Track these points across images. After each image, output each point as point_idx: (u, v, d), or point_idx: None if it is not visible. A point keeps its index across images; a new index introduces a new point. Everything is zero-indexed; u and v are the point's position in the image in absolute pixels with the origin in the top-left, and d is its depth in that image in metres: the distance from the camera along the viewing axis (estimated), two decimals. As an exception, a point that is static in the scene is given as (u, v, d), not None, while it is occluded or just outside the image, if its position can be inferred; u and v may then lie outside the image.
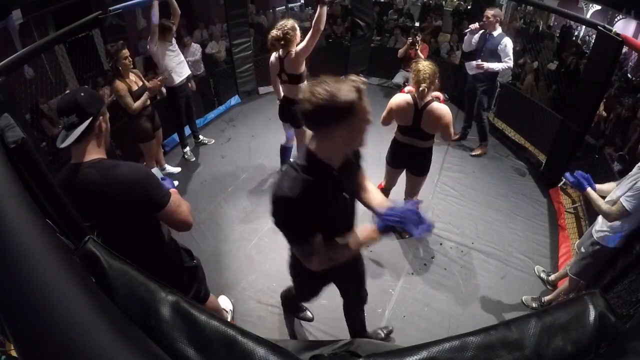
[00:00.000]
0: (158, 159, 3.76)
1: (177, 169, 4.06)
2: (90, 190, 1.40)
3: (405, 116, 2.56)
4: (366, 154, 4.27)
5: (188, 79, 3.96)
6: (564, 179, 3.81)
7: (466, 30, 4.08)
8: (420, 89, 2.45)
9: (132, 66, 3.20)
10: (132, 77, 3.17)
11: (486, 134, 4.34)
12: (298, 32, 2.91)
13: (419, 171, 2.84)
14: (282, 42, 2.87)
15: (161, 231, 1.67)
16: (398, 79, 5.41)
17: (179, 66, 3.81)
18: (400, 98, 2.56)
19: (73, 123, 1.39)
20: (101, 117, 1.48)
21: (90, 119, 1.42)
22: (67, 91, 1.44)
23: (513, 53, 3.80)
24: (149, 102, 3.30)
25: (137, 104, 3.14)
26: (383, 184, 3.19)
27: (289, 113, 3.17)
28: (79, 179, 1.41)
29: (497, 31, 3.77)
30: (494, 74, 3.89)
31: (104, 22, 3.50)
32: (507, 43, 3.70)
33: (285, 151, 3.68)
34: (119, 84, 3.07)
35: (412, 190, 2.97)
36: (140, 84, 3.23)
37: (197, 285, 1.93)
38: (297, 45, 2.90)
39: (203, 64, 5.77)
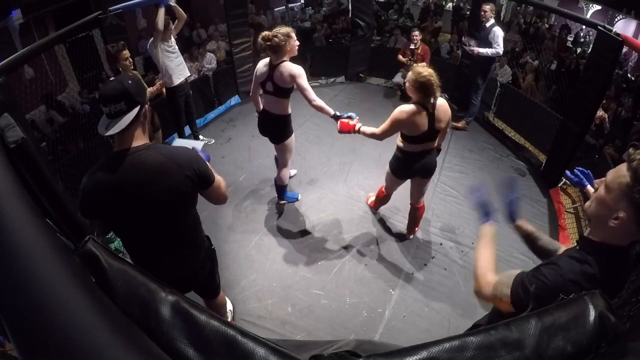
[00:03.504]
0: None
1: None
2: (154, 170, 1.42)
3: (421, 124, 2.43)
4: (367, 154, 4.28)
5: (187, 79, 3.96)
6: (563, 179, 3.85)
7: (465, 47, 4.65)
8: (438, 94, 2.39)
9: (132, 67, 3.19)
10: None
11: (473, 112, 4.83)
12: (292, 41, 2.66)
13: (430, 173, 2.76)
14: (269, 44, 2.61)
15: (198, 215, 1.71)
16: (398, 78, 5.42)
17: (179, 67, 3.80)
18: (408, 108, 2.40)
19: (121, 110, 1.38)
20: (146, 105, 1.50)
21: (139, 106, 1.43)
22: (111, 79, 1.43)
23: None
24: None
25: None
26: (384, 190, 3.11)
27: (269, 127, 2.98)
28: (137, 162, 1.42)
29: (490, 22, 4.26)
30: (488, 58, 4.34)
31: (104, 22, 3.50)
32: (497, 31, 4.20)
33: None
34: None
35: (419, 194, 2.92)
36: None
37: (217, 271, 1.99)
38: (289, 63, 2.67)
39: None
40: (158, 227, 1.54)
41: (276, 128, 2.96)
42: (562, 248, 1.38)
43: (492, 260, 1.34)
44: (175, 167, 1.44)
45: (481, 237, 1.46)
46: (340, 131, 2.63)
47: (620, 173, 0.99)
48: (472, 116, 4.86)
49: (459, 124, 4.83)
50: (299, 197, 3.63)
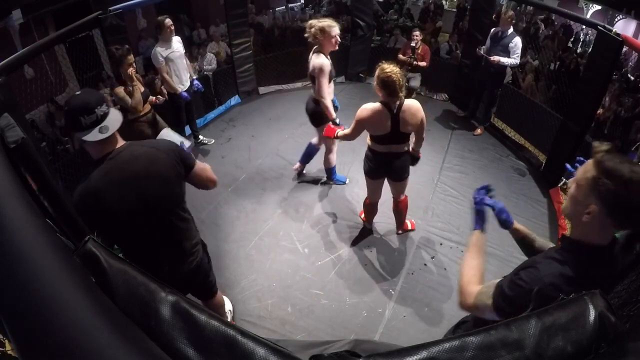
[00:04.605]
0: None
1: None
2: (147, 161, 1.48)
3: (382, 125, 2.39)
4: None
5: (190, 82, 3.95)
6: (563, 179, 3.85)
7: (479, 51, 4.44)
8: (402, 94, 2.31)
9: (135, 71, 3.17)
10: (134, 80, 3.16)
11: (489, 118, 4.89)
12: (326, 35, 2.85)
13: (401, 176, 2.71)
14: (306, 35, 2.93)
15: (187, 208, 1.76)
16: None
17: (180, 77, 3.77)
18: (370, 106, 2.37)
19: (105, 112, 1.44)
20: None
21: (113, 107, 1.50)
22: (78, 92, 1.46)
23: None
24: (149, 107, 3.29)
25: (137, 104, 3.13)
26: (368, 200, 3.01)
27: (308, 110, 3.26)
28: (128, 158, 1.47)
29: (510, 30, 4.19)
30: (503, 66, 4.31)
31: (104, 22, 3.50)
32: (518, 42, 4.15)
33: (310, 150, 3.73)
34: (119, 89, 3.06)
35: (397, 192, 2.89)
36: (143, 89, 3.22)
37: (212, 268, 2.02)
38: (320, 56, 2.91)
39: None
40: (156, 223, 1.57)
41: (313, 111, 3.20)
42: None
43: (479, 271, 1.31)
44: (162, 155, 1.52)
45: (470, 246, 1.38)
46: (324, 136, 2.85)
47: (586, 168, 1.03)
48: (488, 122, 4.89)
49: (478, 132, 4.82)
50: (347, 181, 3.80)
